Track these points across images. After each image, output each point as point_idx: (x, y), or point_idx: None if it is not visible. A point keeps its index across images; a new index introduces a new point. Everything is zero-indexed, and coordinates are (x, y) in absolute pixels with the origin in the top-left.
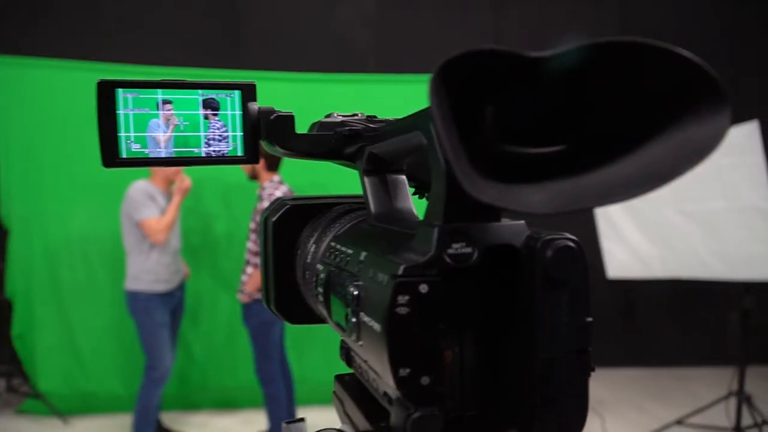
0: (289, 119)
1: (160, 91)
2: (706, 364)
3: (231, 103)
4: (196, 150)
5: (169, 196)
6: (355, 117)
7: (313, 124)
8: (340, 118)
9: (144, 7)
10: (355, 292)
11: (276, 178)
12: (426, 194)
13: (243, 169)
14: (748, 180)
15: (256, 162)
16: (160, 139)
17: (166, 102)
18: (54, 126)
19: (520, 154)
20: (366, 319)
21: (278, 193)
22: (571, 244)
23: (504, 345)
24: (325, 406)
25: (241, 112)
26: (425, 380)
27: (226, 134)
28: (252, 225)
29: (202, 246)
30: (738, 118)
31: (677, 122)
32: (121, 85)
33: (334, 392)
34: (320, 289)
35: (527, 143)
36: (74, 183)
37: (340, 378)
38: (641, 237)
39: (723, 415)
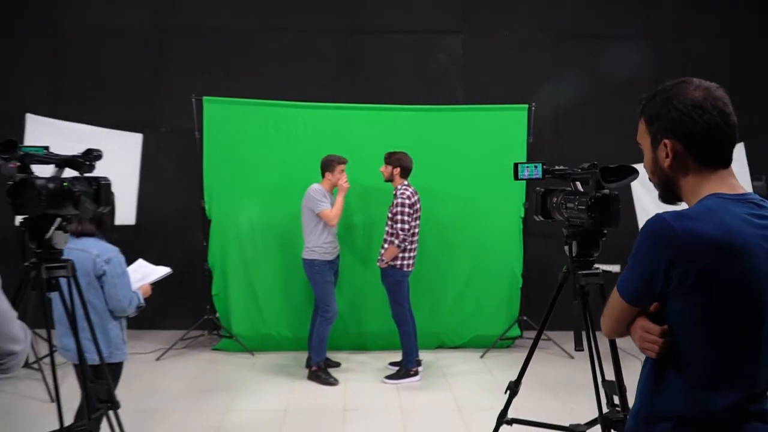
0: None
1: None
2: None
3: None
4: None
5: (330, 194)
6: (563, 167)
7: (550, 171)
8: (563, 168)
9: (288, 58)
10: (579, 202)
11: (405, 182)
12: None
13: (382, 174)
14: None
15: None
16: (527, 176)
17: (526, 167)
18: (242, 145)
19: (610, 179)
20: (581, 206)
21: (408, 192)
22: (616, 193)
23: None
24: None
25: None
26: (595, 216)
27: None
28: (389, 215)
29: (344, 231)
30: None
31: (628, 174)
32: (521, 164)
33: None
34: (563, 205)
35: (612, 177)
36: (255, 186)
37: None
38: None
39: None
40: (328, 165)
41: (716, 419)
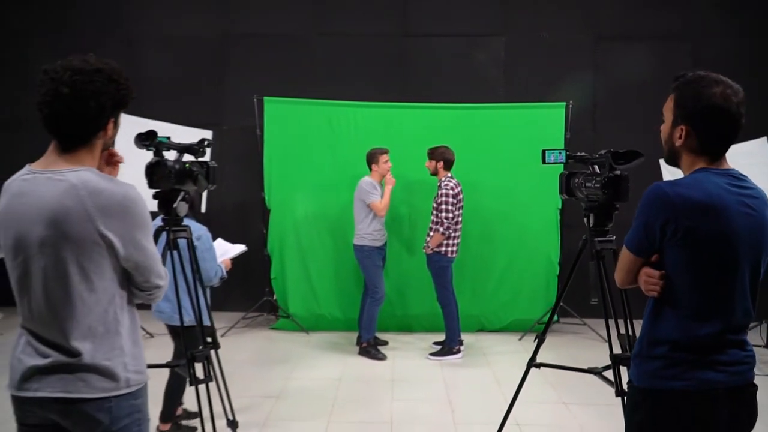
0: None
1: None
2: None
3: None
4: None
5: (379, 185)
6: (582, 153)
7: (572, 156)
8: (582, 154)
9: (341, 61)
10: (596, 182)
11: (449, 174)
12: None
13: (428, 168)
14: (756, 174)
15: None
16: (552, 160)
17: (552, 152)
18: (299, 141)
19: (620, 161)
20: (597, 185)
21: (451, 184)
22: (626, 173)
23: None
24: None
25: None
26: (609, 192)
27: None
28: (434, 204)
29: (391, 221)
30: (752, 135)
31: (635, 158)
32: (547, 150)
33: None
34: (583, 184)
35: (621, 160)
36: (310, 179)
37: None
38: None
39: (756, 336)
40: (372, 157)
41: (701, 343)
